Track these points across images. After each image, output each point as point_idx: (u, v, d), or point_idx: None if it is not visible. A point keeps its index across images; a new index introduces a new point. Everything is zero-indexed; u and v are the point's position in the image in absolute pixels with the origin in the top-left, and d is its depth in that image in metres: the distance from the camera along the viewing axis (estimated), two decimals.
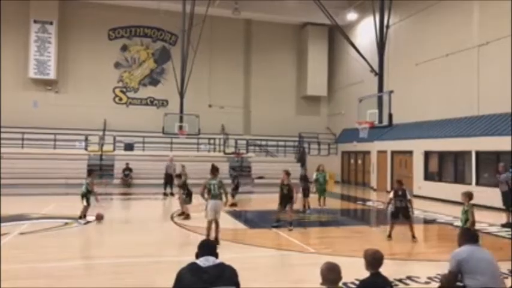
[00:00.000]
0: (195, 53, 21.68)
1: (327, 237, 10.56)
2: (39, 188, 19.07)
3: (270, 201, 17.38)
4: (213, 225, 8.69)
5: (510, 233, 10.67)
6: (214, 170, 9.21)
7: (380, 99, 13.23)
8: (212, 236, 8.58)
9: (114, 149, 23.96)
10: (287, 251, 8.59)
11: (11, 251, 7.80)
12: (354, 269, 4.63)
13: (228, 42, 28.44)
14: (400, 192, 9.66)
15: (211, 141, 26.04)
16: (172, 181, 17.10)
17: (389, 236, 9.64)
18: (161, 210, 14.96)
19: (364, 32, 24.43)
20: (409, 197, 9.67)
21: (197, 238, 9.14)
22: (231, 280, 2.92)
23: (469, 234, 4.42)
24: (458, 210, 14.11)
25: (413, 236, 9.56)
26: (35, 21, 24.96)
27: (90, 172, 12.88)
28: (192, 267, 2.94)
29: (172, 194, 17.20)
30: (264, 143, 27.30)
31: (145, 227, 11.09)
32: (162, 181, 18.24)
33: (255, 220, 13.09)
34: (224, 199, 8.98)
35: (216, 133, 26.82)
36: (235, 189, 15.33)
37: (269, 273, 7.02)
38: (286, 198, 10.89)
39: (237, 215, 13.05)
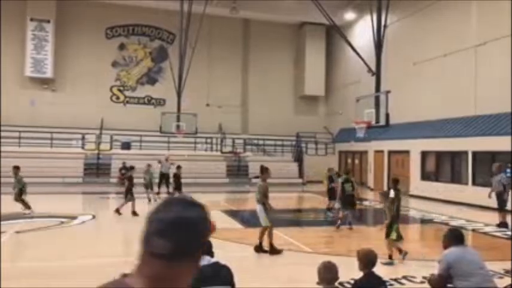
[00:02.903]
0: (193, 52, 21.65)
1: (324, 237, 10.57)
2: (35, 187, 18.94)
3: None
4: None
5: (507, 233, 10.70)
6: (261, 171, 8.41)
7: (377, 99, 13.24)
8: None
9: (111, 148, 23.90)
10: (284, 250, 8.58)
11: (7, 250, 7.76)
12: (351, 269, 4.63)
13: (226, 41, 28.39)
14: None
15: (209, 140, 26.01)
16: (168, 180, 17.10)
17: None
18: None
19: (361, 31, 24.41)
20: (391, 195, 9.53)
21: None
22: (226, 280, 2.91)
23: (455, 235, 4.38)
24: (455, 210, 14.21)
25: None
26: (32, 20, 24.84)
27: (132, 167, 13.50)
28: None
29: (169, 193, 17.18)
30: (261, 142, 27.28)
31: (142, 226, 11.06)
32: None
33: (251, 219, 13.06)
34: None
35: (214, 132, 26.78)
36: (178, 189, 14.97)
37: (265, 273, 7.01)
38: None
39: (234, 214, 13.04)
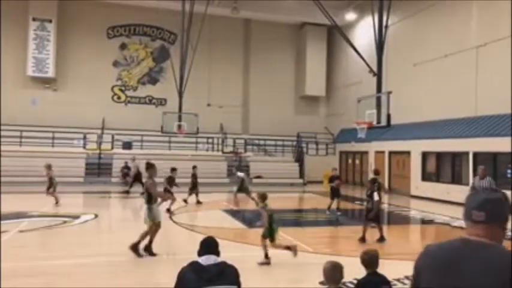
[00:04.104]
0: (194, 52, 21.68)
1: (325, 237, 10.61)
2: (37, 186, 19.00)
3: (268, 200, 17.41)
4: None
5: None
6: (146, 168, 8.12)
7: (378, 100, 13.27)
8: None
9: (112, 148, 23.94)
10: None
11: (10, 249, 7.81)
12: (353, 269, 4.67)
13: (227, 41, 28.43)
14: (368, 192, 9.51)
15: (210, 140, 26.06)
16: (140, 179, 17.24)
17: (363, 239, 9.15)
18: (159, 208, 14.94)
19: (362, 32, 24.47)
20: (376, 197, 9.30)
21: (195, 236, 9.18)
22: (232, 279, 2.94)
23: None
24: (455, 211, 14.24)
25: (381, 238, 9.26)
26: (34, 19, 24.89)
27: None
28: (194, 266, 2.96)
29: (128, 192, 17.50)
30: (262, 142, 27.32)
31: (143, 225, 11.08)
32: (160, 180, 18.28)
33: (253, 219, 13.10)
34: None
35: (215, 132, 26.82)
36: (193, 188, 14.90)
37: (267, 273, 7.04)
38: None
39: (235, 214, 13.08)
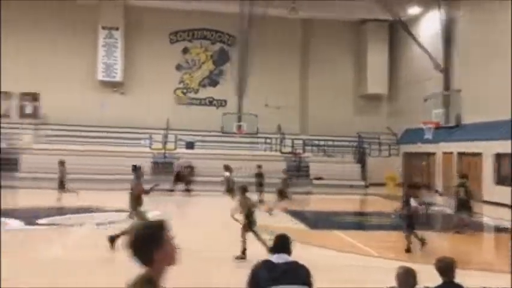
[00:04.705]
0: (253, 53, 21.87)
1: (390, 241, 10.21)
2: (107, 184, 20.14)
3: (330, 202, 17.14)
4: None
5: None
6: (134, 170, 8.67)
7: (447, 98, 12.58)
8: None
9: (175, 148, 24.83)
10: (348, 253, 8.42)
11: (83, 240, 8.31)
12: (423, 276, 4.43)
13: (284, 42, 28.30)
14: (404, 198, 8.96)
15: (268, 140, 26.15)
16: (183, 178, 18.27)
17: (423, 242, 8.45)
18: (221, 207, 15.22)
19: (427, 26, 23.17)
20: (413, 204, 8.54)
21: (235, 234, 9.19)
22: (303, 279, 2.92)
23: None
24: None
25: (407, 250, 8.34)
26: (103, 28, 26.54)
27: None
28: (266, 264, 2.99)
29: (188, 191, 18.00)
30: (321, 143, 26.91)
31: (205, 223, 11.35)
32: (220, 179, 18.73)
33: (315, 220, 12.93)
34: None
35: (272, 132, 26.82)
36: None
37: (331, 274, 6.89)
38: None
39: (297, 215, 12.97)
